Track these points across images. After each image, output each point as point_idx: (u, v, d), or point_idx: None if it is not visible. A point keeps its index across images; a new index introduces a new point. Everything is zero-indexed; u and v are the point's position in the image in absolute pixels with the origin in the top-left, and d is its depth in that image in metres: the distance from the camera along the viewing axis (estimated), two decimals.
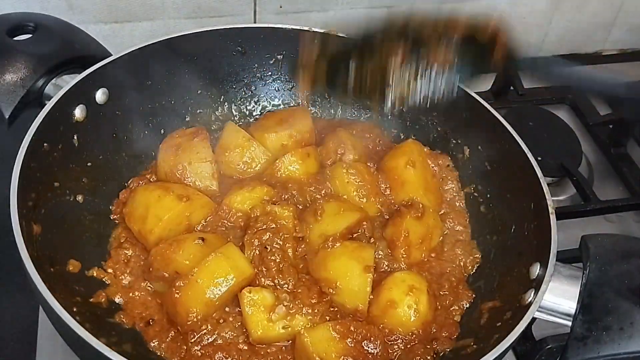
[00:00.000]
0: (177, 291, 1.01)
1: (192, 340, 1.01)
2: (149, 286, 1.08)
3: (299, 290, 1.06)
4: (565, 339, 0.94)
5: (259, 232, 1.09)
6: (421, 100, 1.06)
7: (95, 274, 1.08)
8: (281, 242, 1.09)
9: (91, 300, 1.03)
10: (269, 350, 1.03)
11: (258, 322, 1.02)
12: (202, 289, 1.01)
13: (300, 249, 1.12)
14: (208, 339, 1.02)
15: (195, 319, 1.01)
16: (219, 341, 1.02)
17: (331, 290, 1.07)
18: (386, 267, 1.14)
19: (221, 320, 1.03)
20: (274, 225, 1.11)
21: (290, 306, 1.03)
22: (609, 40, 1.92)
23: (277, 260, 1.07)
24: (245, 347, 1.02)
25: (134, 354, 0.97)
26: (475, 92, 1.23)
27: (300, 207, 1.19)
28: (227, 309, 1.05)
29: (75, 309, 0.91)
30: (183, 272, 1.03)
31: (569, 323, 0.94)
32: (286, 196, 1.19)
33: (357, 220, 1.15)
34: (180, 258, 1.05)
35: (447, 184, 1.28)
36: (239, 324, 1.03)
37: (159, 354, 1.00)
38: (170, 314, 1.03)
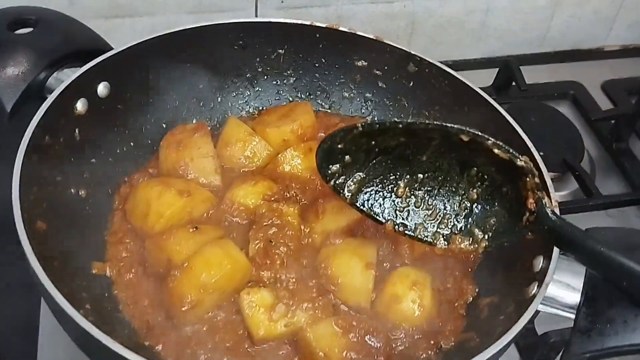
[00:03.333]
0: (172, 280, 1.01)
1: (194, 342, 1.00)
2: (150, 278, 1.07)
3: (298, 286, 1.06)
4: (569, 333, 0.94)
5: (264, 227, 1.09)
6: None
7: (98, 270, 1.07)
8: (286, 237, 1.09)
9: (95, 294, 1.02)
10: (273, 350, 1.02)
11: (259, 322, 1.01)
12: (195, 275, 1.00)
13: (304, 244, 1.12)
14: (210, 344, 1.01)
15: (189, 307, 0.99)
16: (222, 346, 1.01)
17: (333, 288, 1.06)
18: (390, 264, 1.13)
19: (220, 324, 1.03)
20: (279, 222, 1.11)
21: (290, 303, 1.03)
22: (611, 36, 1.92)
23: (282, 255, 1.07)
24: (250, 349, 1.02)
25: (139, 347, 0.97)
26: (477, 87, 1.23)
27: (306, 202, 1.19)
28: (226, 315, 1.04)
29: (79, 303, 0.91)
30: (176, 259, 1.03)
31: (573, 316, 0.94)
32: (289, 195, 1.19)
33: (359, 217, 1.14)
34: (172, 245, 1.05)
35: None
36: (241, 331, 1.03)
37: (163, 355, 1.00)
38: (167, 308, 1.02)
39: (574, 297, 0.93)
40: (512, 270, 1.07)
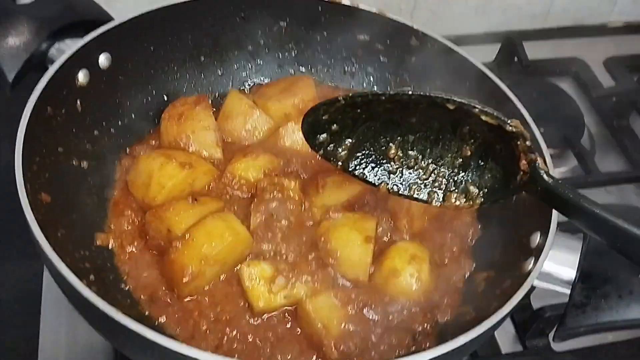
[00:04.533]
0: (173, 251, 1.02)
1: (197, 314, 1.02)
2: (152, 250, 1.09)
3: (298, 259, 1.07)
4: (564, 308, 0.95)
5: (266, 201, 1.10)
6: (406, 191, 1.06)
7: (101, 241, 1.08)
8: (287, 211, 1.10)
9: (98, 265, 1.03)
10: (273, 321, 1.04)
11: (259, 294, 1.03)
12: (197, 247, 1.01)
13: (304, 218, 1.13)
14: (212, 316, 1.03)
15: (190, 278, 1.01)
16: (223, 318, 1.03)
17: (332, 261, 1.08)
18: (389, 238, 1.14)
19: (221, 296, 1.04)
20: (280, 196, 1.11)
21: (290, 276, 1.04)
22: (614, 12, 1.90)
23: (283, 228, 1.08)
24: (251, 320, 1.03)
25: (141, 318, 0.99)
26: (479, 62, 1.23)
27: (307, 177, 1.20)
28: (226, 287, 1.05)
29: (82, 273, 0.92)
30: (175, 229, 1.04)
31: (568, 291, 0.95)
32: (289, 169, 1.20)
33: (359, 192, 1.15)
34: (172, 216, 1.06)
35: None
36: (241, 303, 1.04)
37: (166, 328, 1.01)
38: (168, 279, 1.04)
39: (570, 273, 0.95)
40: (509, 246, 1.08)
